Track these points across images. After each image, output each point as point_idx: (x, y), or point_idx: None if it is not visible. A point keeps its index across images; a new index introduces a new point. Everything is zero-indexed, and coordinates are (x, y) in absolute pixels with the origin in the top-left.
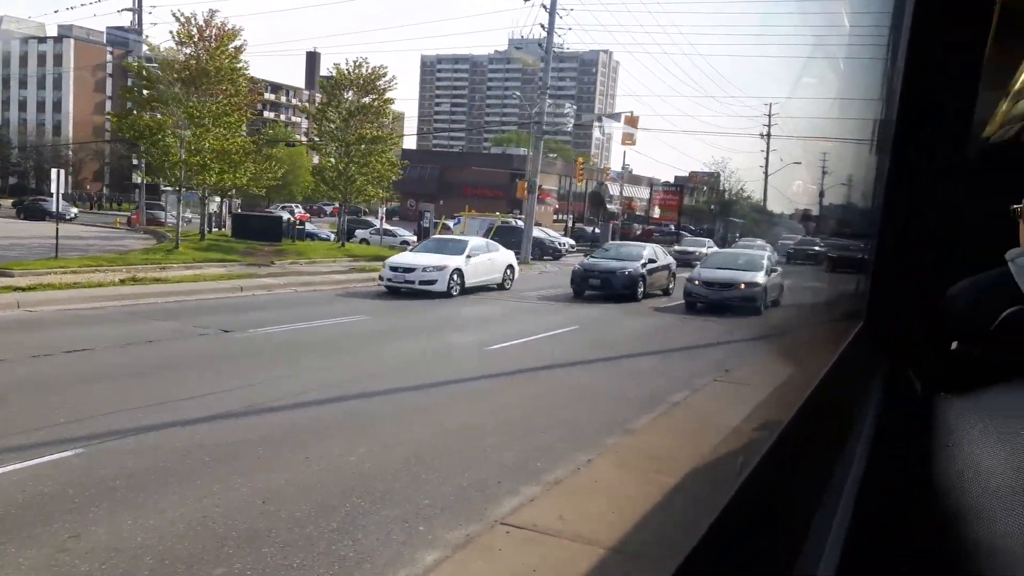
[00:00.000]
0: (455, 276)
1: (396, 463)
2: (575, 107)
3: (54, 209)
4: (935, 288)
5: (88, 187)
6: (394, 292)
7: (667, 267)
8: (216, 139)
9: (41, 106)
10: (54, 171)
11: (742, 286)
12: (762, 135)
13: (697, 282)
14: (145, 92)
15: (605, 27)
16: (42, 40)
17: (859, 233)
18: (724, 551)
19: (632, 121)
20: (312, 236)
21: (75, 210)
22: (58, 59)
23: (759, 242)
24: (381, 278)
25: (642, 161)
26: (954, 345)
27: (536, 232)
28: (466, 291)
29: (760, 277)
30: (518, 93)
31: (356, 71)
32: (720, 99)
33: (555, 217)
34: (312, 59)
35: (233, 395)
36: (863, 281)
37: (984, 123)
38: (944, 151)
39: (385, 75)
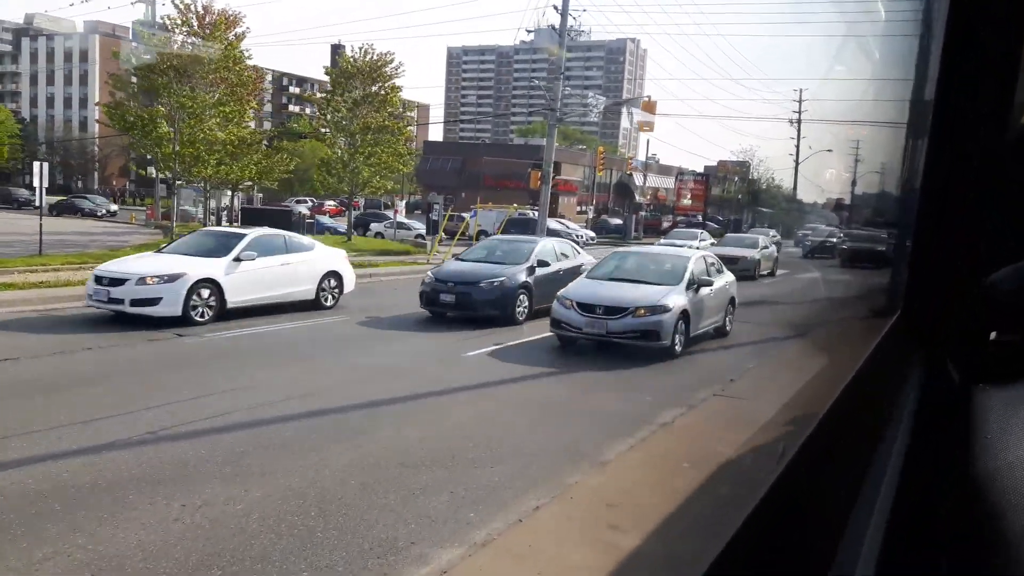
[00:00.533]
0: (203, 292)
1: (291, 512)
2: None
3: (84, 206)
4: (974, 277)
5: (114, 183)
6: (119, 318)
7: (578, 270)
8: (210, 130)
9: (68, 102)
10: (36, 164)
11: (641, 312)
12: (792, 122)
13: (569, 304)
14: (134, 80)
15: (625, 9)
16: (69, 37)
17: (895, 222)
18: (759, 546)
19: (649, 107)
20: (329, 230)
21: (115, 207)
22: (84, 55)
23: (768, 234)
24: (89, 295)
25: (670, 151)
26: (993, 335)
27: (552, 224)
28: (229, 314)
29: (674, 298)
30: (539, 81)
31: (363, 58)
32: (748, 84)
33: (579, 209)
34: (336, 51)
35: (140, 417)
36: (899, 270)
37: (1022, 108)
38: (983, 137)
39: (392, 62)
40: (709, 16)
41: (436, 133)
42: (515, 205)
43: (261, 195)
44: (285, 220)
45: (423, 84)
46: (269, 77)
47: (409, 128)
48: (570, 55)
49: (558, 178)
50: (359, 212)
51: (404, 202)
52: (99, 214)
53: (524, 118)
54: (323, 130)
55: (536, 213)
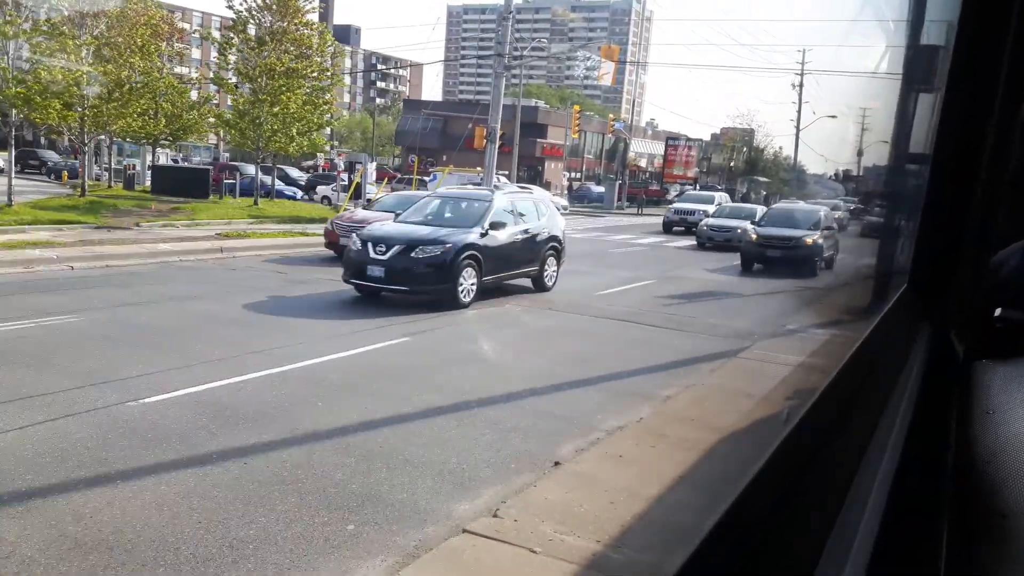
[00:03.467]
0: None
1: None
2: (543, 40)
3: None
4: (981, 253)
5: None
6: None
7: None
8: (46, 69)
9: None
10: None
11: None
12: (794, 85)
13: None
14: None
15: None
16: None
17: (903, 194)
18: (761, 512)
19: (609, 53)
20: (280, 195)
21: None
22: None
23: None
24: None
25: (675, 119)
26: (998, 311)
27: (512, 189)
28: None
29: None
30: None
31: None
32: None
33: (566, 175)
34: (325, 5)
35: None
36: (907, 243)
37: None
38: (996, 113)
39: None
40: None
41: (436, 94)
42: (479, 168)
43: (228, 155)
44: (201, 180)
45: (423, 45)
46: (197, 19)
47: (327, 71)
48: (574, 15)
49: (543, 141)
50: (312, 175)
51: (374, 164)
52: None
53: (525, 79)
54: (225, 76)
55: (500, 178)
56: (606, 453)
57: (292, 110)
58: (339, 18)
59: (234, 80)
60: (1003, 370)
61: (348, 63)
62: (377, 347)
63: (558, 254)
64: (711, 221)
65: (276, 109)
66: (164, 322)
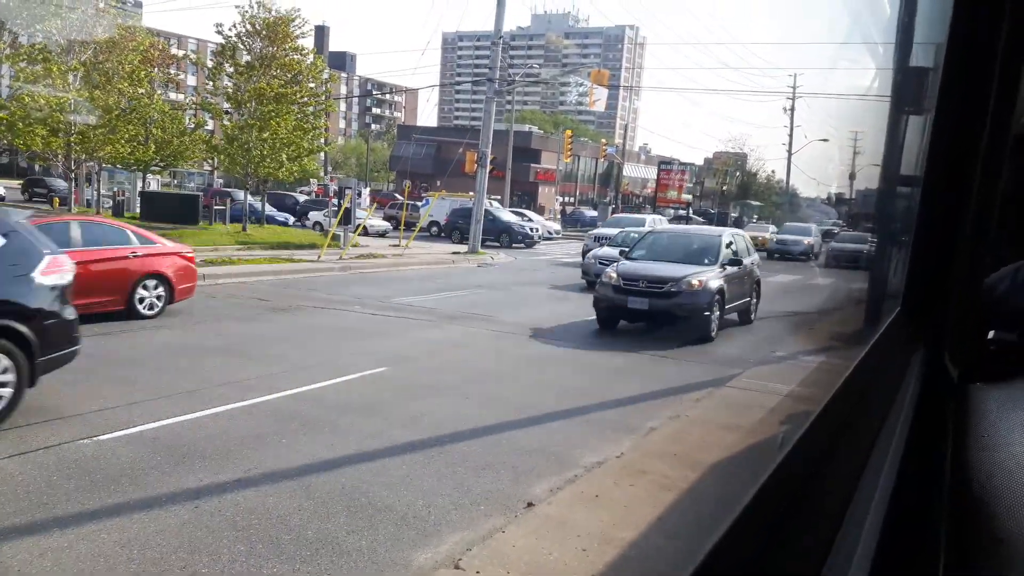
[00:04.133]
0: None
1: None
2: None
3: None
4: (974, 275)
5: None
6: None
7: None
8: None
9: None
10: None
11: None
12: (785, 109)
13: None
14: None
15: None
16: None
17: (895, 217)
18: (756, 538)
19: (599, 77)
20: (271, 220)
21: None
22: None
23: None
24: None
25: (667, 144)
26: (991, 334)
27: (507, 215)
28: None
29: None
30: (536, 67)
31: (262, 15)
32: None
33: (559, 199)
34: (320, 33)
35: None
36: (899, 266)
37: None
38: (986, 135)
39: (295, 19)
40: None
41: (431, 120)
42: (471, 193)
43: (221, 180)
44: (191, 207)
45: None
46: (193, 47)
47: (319, 96)
48: (568, 42)
49: (536, 166)
50: (305, 201)
51: (367, 189)
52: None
53: (519, 104)
54: (216, 101)
55: (492, 203)
56: (582, 493)
57: (282, 135)
58: (335, 45)
59: (225, 106)
60: (997, 393)
61: (344, 89)
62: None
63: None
64: (601, 252)
65: (265, 135)
66: (130, 353)
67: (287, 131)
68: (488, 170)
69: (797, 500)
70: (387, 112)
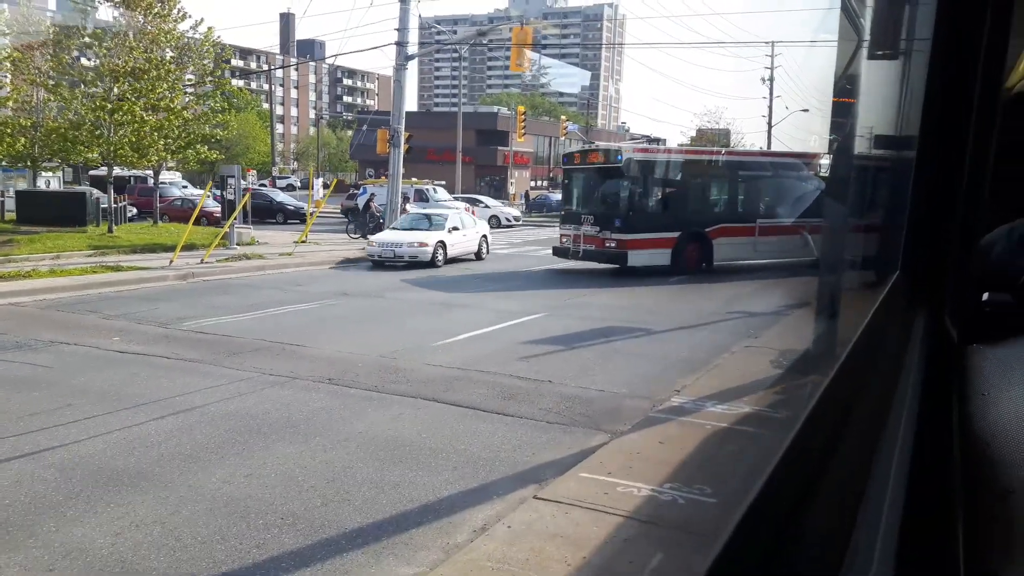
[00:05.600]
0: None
1: None
2: (436, 25)
3: None
4: (971, 236)
5: None
6: None
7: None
8: None
9: None
10: None
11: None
12: (764, 80)
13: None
14: None
15: None
16: None
17: (892, 182)
18: (776, 516)
19: (522, 35)
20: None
21: None
22: None
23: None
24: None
25: (642, 122)
26: (986, 296)
27: (454, 199)
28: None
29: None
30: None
31: None
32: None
33: (533, 183)
34: (287, 21)
35: None
36: (898, 231)
37: (1016, 70)
38: (978, 100)
39: None
40: None
41: (412, 107)
42: (414, 179)
43: (180, 175)
44: (77, 206)
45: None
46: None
47: (211, 75)
48: (546, 22)
49: (503, 150)
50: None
51: (320, 180)
52: None
53: (498, 88)
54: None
55: (434, 189)
56: None
57: (148, 119)
58: (302, 33)
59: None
60: (994, 353)
61: (312, 78)
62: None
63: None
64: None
65: (119, 116)
66: None
67: (152, 114)
68: (404, 150)
69: (825, 456)
70: (360, 100)
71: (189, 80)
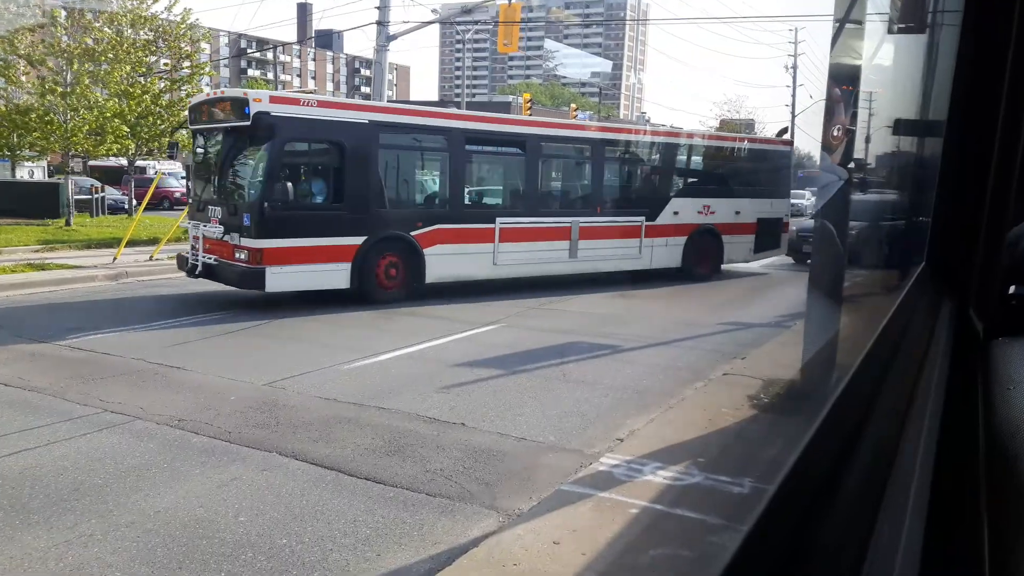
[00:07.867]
0: None
1: None
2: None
3: None
4: (997, 229)
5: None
6: None
7: None
8: None
9: None
10: None
11: None
12: (787, 68)
13: None
14: None
15: None
16: None
17: (919, 175)
18: (793, 515)
19: (510, 12)
20: (121, 209)
21: None
22: None
23: None
24: None
25: (663, 112)
26: (1012, 288)
27: None
28: None
29: None
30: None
31: None
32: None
33: None
34: (303, 11)
35: None
36: (923, 222)
37: None
38: (1007, 87)
39: None
40: None
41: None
42: None
43: (180, 165)
44: (51, 197)
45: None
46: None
47: (187, 58)
48: (569, 12)
49: None
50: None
51: None
52: None
53: (519, 78)
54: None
55: None
56: None
57: (95, 99)
58: (323, 24)
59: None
60: (1020, 346)
61: (329, 68)
62: None
63: None
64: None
65: (73, 99)
66: None
67: (109, 98)
68: None
69: (851, 441)
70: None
71: (166, 65)
